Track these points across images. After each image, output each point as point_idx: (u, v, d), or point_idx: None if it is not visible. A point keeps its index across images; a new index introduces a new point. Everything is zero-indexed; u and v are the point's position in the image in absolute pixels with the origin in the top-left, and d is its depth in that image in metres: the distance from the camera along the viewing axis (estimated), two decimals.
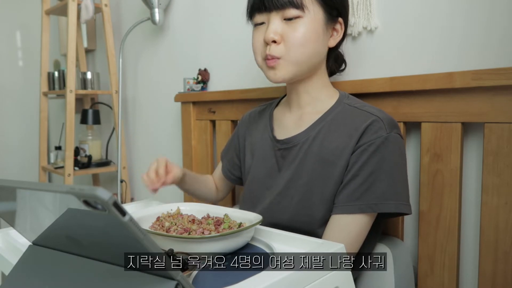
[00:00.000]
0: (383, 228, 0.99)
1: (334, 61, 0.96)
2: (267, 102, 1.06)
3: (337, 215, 0.79)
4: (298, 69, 0.83)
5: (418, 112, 0.91)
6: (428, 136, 0.89)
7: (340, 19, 0.87)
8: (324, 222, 0.81)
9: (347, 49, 1.07)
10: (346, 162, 0.80)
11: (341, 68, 1.01)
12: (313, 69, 0.86)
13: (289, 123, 0.92)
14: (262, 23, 0.84)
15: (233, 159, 1.08)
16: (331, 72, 0.96)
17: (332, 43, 0.87)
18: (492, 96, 0.80)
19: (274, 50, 0.81)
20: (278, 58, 0.82)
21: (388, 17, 0.99)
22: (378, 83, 0.95)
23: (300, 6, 0.79)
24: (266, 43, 0.82)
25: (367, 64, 1.04)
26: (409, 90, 0.90)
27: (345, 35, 0.90)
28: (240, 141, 1.05)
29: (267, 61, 0.83)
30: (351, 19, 1.03)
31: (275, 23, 0.81)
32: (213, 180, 1.15)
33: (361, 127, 0.80)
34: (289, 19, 0.80)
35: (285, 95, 0.98)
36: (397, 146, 0.79)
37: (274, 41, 0.81)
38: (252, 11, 0.85)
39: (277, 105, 1.01)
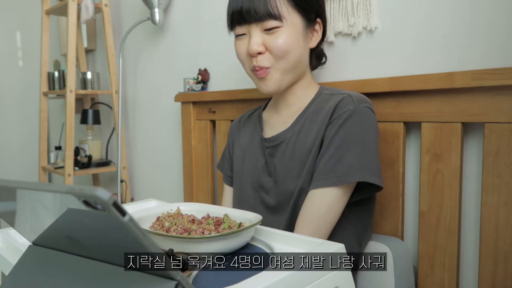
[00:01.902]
0: (384, 228, 0.99)
1: (316, 58, 0.97)
2: (256, 106, 1.07)
3: (310, 191, 0.80)
4: (286, 77, 0.86)
5: (418, 112, 0.91)
6: (428, 136, 0.89)
7: (319, 20, 0.89)
8: None
9: (347, 49, 1.07)
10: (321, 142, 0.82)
11: (322, 62, 1.01)
12: (299, 73, 0.88)
13: (277, 123, 0.94)
14: (243, 34, 0.86)
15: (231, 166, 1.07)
16: (313, 67, 0.98)
17: (313, 44, 0.90)
18: (492, 96, 0.80)
19: (261, 61, 0.84)
20: (268, 68, 0.84)
21: (388, 17, 0.99)
22: (378, 83, 0.95)
23: (278, 17, 0.81)
24: (252, 56, 0.84)
25: (367, 64, 1.04)
26: (409, 90, 0.90)
27: (324, 33, 0.92)
28: (230, 147, 1.06)
29: (256, 72, 0.85)
30: (351, 19, 1.03)
31: (256, 35, 0.83)
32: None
33: (332, 107, 0.82)
34: (269, 29, 0.82)
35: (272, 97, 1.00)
36: (365, 118, 0.81)
37: (259, 53, 0.83)
38: (232, 23, 0.87)
39: (265, 106, 1.03)
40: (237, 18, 0.84)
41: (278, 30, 0.82)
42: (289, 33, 0.82)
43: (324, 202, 0.79)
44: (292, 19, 0.82)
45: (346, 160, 0.78)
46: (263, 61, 0.83)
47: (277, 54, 0.82)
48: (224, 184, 1.08)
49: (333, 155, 0.79)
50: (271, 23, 0.81)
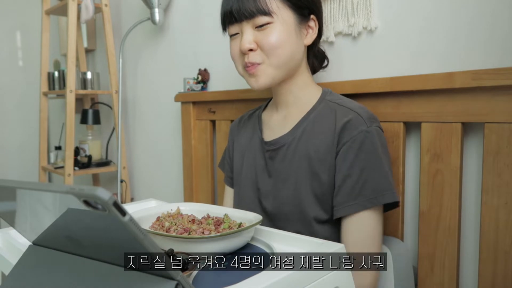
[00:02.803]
0: (383, 228, 0.99)
1: (315, 58, 0.96)
2: (256, 106, 1.07)
3: (346, 219, 0.80)
4: (278, 73, 0.85)
5: (418, 112, 0.91)
6: (428, 136, 0.89)
7: (313, 16, 0.88)
8: (320, 221, 0.83)
9: (347, 49, 1.07)
10: (332, 159, 0.81)
11: (323, 65, 1.01)
12: (293, 69, 0.87)
13: (276, 124, 0.94)
14: (236, 34, 0.86)
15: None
16: (314, 70, 0.97)
17: (308, 40, 0.89)
18: (492, 96, 0.80)
19: (253, 57, 0.84)
20: (259, 64, 0.84)
21: (388, 17, 0.99)
22: (378, 83, 0.95)
23: (268, 13, 0.81)
24: (244, 53, 0.84)
25: (367, 64, 1.04)
26: (409, 90, 0.90)
27: (321, 31, 0.91)
28: (230, 148, 1.06)
29: (247, 69, 0.85)
30: (351, 19, 1.03)
31: (247, 32, 0.83)
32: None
33: (341, 123, 0.81)
34: (260, 26, 0.82)
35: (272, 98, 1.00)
36: (380, 138, 0.82)
37: (251, 50, 0.83)
38: (225, 23, 0.87)
39: (265, 107, 1.02)
40: (229, 18, 0.85)
41: (269, 26, 0.82)
42: (280, 29, 0.82)
43: (367, 227, 0.79)
44: (283, 15, 0.82)
45: (373, 181, 0.78)
46: (255, 57, 0.83)
47: (269, 51, 0.82)
48: (225, 184, 1.08)
49: (359, 179, 0.78)
50: (262, 19, 0.81)
